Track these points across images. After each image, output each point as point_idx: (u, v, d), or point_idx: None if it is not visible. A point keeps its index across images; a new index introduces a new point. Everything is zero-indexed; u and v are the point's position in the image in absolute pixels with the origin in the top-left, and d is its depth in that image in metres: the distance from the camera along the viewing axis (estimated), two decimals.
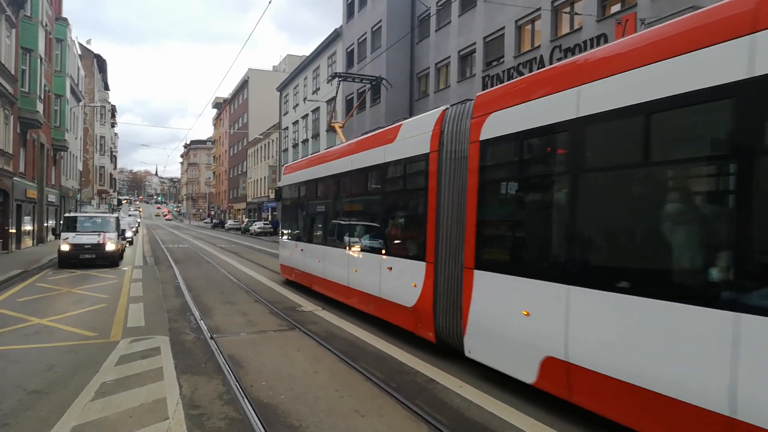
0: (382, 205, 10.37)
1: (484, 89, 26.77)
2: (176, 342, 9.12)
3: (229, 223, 75.47)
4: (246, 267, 22.22)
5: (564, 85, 5.94)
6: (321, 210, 14.00)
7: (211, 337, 9.45)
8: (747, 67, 4.12)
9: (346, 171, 12.07)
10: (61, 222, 24.44)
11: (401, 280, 9.21)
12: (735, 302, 4.16)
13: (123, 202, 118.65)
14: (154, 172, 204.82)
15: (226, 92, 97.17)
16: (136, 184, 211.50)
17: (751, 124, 4.15)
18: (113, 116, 77.03)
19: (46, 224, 34.84)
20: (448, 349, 8.31)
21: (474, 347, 7.36)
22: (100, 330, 10.08)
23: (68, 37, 39.73)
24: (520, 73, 24.35)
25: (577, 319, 5.58)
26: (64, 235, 21.21)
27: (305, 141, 51.10)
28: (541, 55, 23.11)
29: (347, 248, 11.71)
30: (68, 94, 40.50)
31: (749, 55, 4.10)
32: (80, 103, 49.69)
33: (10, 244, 26.43)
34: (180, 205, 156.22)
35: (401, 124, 9.83)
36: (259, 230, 53.93)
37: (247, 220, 67.21)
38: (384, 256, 9.91)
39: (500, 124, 6.92)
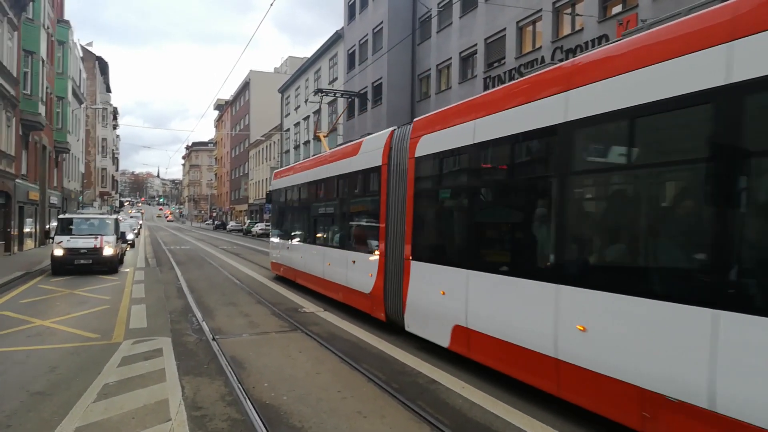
0: (349, 208, 12.30)
1: (485, 90, 26.78)
2: (178, 343, 9.14)
3: (231, 224, 75.53)
4: (248, 268, 22.23)
5: (466, 118, 7.80)
6: (303, 212, 15.87)
7: (214, 339, 9.46)
8: (725, 74, 4.40)
9: (322, 178, 13.98)
10: (55, 224, 22.06)
11: (362, 271, 11.02)
12: (553, 274, 5.99)
13: (125, 203, 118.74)
14: (155, 174, 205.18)
15: (227, 94, 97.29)
16: (138, 186, 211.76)
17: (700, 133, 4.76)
18: (115, 118, 77.19)
19: (47, 226, 34.92)
20: (394, 326, 9.89)
21: (411, 323, 9.17)
22: (102, 331, 10.09)
23: (70, 40, 39.83)
24: (522, 75, 24.35)
25: (473, 295, 7.42)
26: (57, 238, 19.50)
27: (306, 142, 51.13)
28: (543, 56, 23.12)
29: (323, 245, 13.67)
30: (70, 96, 40.59)
31: (726, 63, 4.39)
32: (82, 105, 49.78)
33: (12, 245, 26.47)
34: (182, 206, 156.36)
35: (363, 140, 11.71)
36: (260, 232, 53.86)
37: (249, 221, 67.23)
38: (350, 252, 11.76)
39: (428, 144, 8.78)
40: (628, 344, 5.07)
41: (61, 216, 22.27)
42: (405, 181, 9.42)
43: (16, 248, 27.13)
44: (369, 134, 11.03)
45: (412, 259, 9.03)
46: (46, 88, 32.65)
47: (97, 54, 60.88)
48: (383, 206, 10.18)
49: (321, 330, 10.38)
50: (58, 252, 18.92)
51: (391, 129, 10.52)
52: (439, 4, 31.12)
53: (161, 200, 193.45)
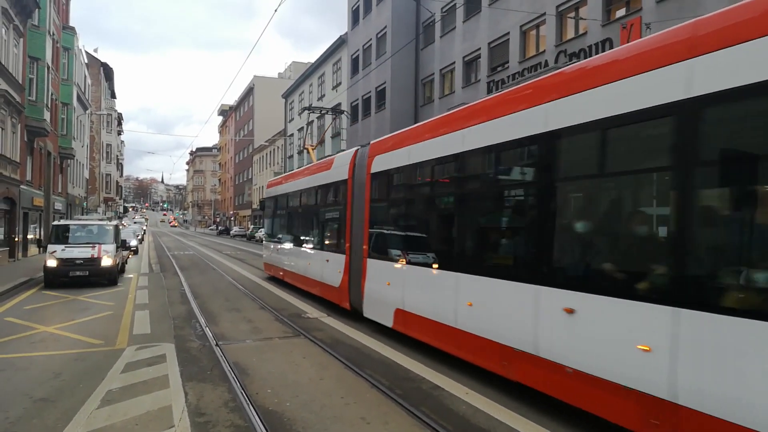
0: (324, 215, 14.20)
1: (489, 94, 26.78)
2: (182, 349, 9.13)
3: (235, 229, 75.61)
4: (251, 274, 22.24)
5: (404, 143, 9.85)
6: (289, 218, 18.25)
7: (217, 344, 9.45)
8: (684, 89, 4.75)
9: (303, 188, 16.08)
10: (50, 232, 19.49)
11: (333, 269, 12.87)
12: (454, 266, 8.04)
13: (129, 209, 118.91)
14: (159, 180, 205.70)
15: (231, 99, 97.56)
16: (142, 191, 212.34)
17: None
18: (119, 124, 77.44)
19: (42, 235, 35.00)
20: (357, 313, 11.62)
21: (368, 310, 11.04)
22: (106, 337, 10.09)
23: (75, 46, 40.02)
24: (526, 79, 24.34)
25: (408, 283, 9.39)
26: (51, 247, 17.63)
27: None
28: (546, 60, 23.11)
29: (305, 247, 15.70)
30: (75, 103, 40.76)
31: (686, 79, 4.73)
32: (87, 111, 49.97)
33: (16, 252, 26.54)
34: (185, 212, 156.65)
35: (335, 156, 14.10)
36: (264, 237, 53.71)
37: (252, 226, 67.30)
38: (325, 252, 13.71)
39: (379, 163, 10.71)
40: (493, 313, 7.09)
41: (55, 223, 20.43)
42: (363, 192, 11.37)
43: (20, 254, 27.19)
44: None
45: (369, 258, 10.99)
46: (51, 94, 32.79)
47: (102, 60, 61.15)
48: (348, 213, 12.09)
49: (324, 336, 10.36)
50: (51, 263, 17.17)
51: (355, 148, 12.46)
52: (442, 8, 31.16)
53: (165, 206, 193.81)
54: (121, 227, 26.11)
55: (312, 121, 38.87)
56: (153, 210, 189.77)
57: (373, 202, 10.99)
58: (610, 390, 5.25)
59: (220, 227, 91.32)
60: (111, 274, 18.01)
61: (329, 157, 14.90)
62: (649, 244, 5.30)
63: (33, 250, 30.53)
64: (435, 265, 8.59)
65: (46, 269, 17.27)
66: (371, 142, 11.66)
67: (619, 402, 5.17)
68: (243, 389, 6.92)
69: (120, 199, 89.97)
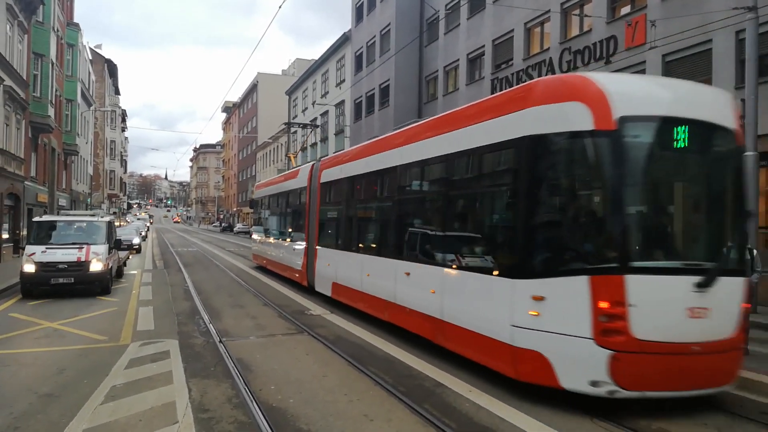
0: (293, 213, 18.06)
1: (492, 92, 26.74)
2: (185, 345, 9.16)
3: (238, 226, 75.59)
4: (254, 270, 22.27)
5: (338, 163, 13.81)
6: (269, 216, 22.12)
7: (220, 341, 9.48)
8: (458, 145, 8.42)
9: (280, 192, 19.87)
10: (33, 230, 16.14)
11: (297, 255, 16.55)
12: (359, 249, 12.15)
13: (133, 206, 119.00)
14: (163, 176, 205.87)
15: (235, 96, 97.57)
16: (146, 188, 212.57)
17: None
18: (123, 120, 77.55)
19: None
20: (312, 290, 15.02)
21: (317, 285, 14.58)
22: (110, 333, 10.13)
23: (79, 42, 40.06)
24: (530, 76, 24.30)
25: (339, 264, 13.05)
26: (29, 249, 14.66)
27: (314, 144, 51.22)
28: (551, 58, 23.04)
29: (281, 240, 19.35)
30: (79, 99, 40.81)
31: (488, 133, 7.68)
32: (91, 108, 50.05)
33: (20, 248, 26.59)
34: (189, 208, 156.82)
35: (300, 168, 17.88)
36: None
37: None
38: (294, 243, 17.20)
39: (325, 176, 14.49)
40: (378, 279, 10.72)
41: (37, 219, 17.27)
42: (316, 197, 15.14)
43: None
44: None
45: (318, 246, 14.74)
46: (56, 90, 32.84)
47: (106, 57, 61.20)
48: (307, 213, 15.84)
49: (327, 332, 10.38)
50: (29, 268, 14.18)
51: (313, 162, 16.61)
52: (446, 5, 31.09)
53: (169, 202, 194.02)
54: (123, 224, 25.81)
55: (296, 131, 45.34)
56: (157, 206, 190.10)
57: (321, 204, 14.80)
58: (422, 317, 8.98)
59: (223, 224, 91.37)
60: (101, 281, 14.93)
61: (297, 168, 19.05)
62: (432, 235, 9.06)
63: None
64: (352, 250, 12.45)
65: (22, 276, 14.40)
66: (321, 158, 16.36)
67: (426, 323, 8.88)
68: (246, 385, 6.94)
69: (124, 195, 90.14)
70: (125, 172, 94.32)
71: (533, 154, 6.72)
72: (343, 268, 12.79)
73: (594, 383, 5.98)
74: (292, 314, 12.22)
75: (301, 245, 16.11)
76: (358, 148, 13.18)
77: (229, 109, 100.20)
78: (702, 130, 6.56)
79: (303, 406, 6.30)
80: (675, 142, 6.37)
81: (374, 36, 37.89)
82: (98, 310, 12.57)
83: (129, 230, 34.41)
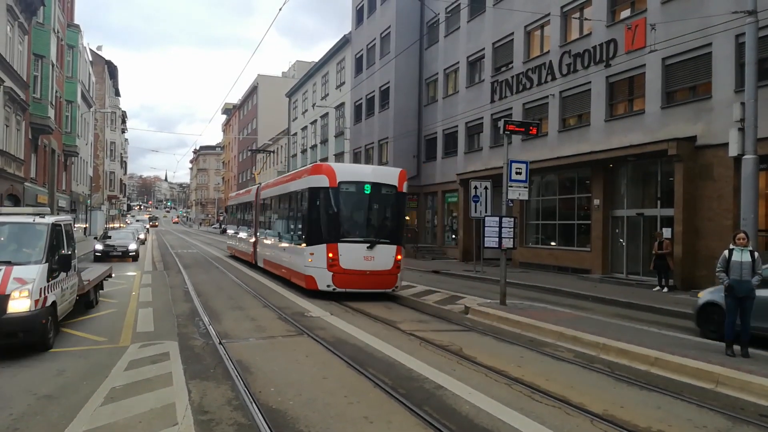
0: (250, 218, 25.88)
1: (492, 95, 26.79)
2: (185, 347, 9.15)
3: None
4: (254, 272, 22.26)
5: (265, 188, 23.40)
6: (237, 219, 30.69)
7: (220, 343, 9.47)
8: (292, 188, 18.21)
9: (240, 203, 29.95)
10: None
11: (250, 245, 24.94)
12: (272, 237, 21.85)
13: (134, 207, 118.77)
14: (163, 178, 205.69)
15: (235, 98, 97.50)
16: (146, 189, 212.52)
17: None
18: (123, 122, 77.51)
19: None
20: (256, 266, 23.37)
21: (258, 262, 22.77)
22: (109, 335, 10.12)
23: (80, 44, 40.07)
24: (529, 79, 24.32)
25: (265, 247, 22.00)
26: None
27: (314, 146, 51.21)
28: (550, 61, 23.07)
29: (241, 235, 28.15)
30: (79, 100, 40.81)
31: (297, 185, 17.30)
32: (91, 109, 50.05)
33: None
34: (189, 210, 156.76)
35: (252, 188, 26.60)
36: None
37: None
38: (250, 237, 25.17)
39: (262, 195, 23.47)
40: (278, 254, 19.12)
41: None
42: (259, 207, 23.62)
43: None
44: (260, 184, 24.97)
45: (258, 237, 23.18)
46: (56, 91, 32.83)
47: (106, 58, 61.21)
48: (255, 218, 24.36)
49: (327, 335, 10.37)
50: None
51: (257, 185, 25.24)
52: (446, 8, 31.12)
53: (169, 204, 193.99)
54: (122, 225, 24.52)
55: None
56: (156, 208, 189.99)
57: (262, 212, 23.27)
58: (284, 268, 18.16)
59: (223, 225, 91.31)
60: (31, 332, 8.46)
61: (249, 188, 29.24)
62: (275, 231, 20.43)
63: None
64: (269, 239, 21.00)
65: None
66: (259, 184, 25.04)
67: (283, 269, 18.12)
68: (246, 387, 6.93)
69: (124, 197, 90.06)
70: (125, 173, 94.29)
71: (310, 194, 15.44)
72: (267, 250, 21.38)
73: (328, 286, 14.59)
74: (292, 316, 12.22)
75: (252, 239, 24.78)
76: (267, 184, 23.35)
77: (229, 110, 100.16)
78: (377, 185, 15.25)
79: (303, 408, 6.29)
80: (364, 191, 15.14)
81: (374, 38, 37.94)
82: (98, 312, 12.54)
83: (125, 234, 31.18)
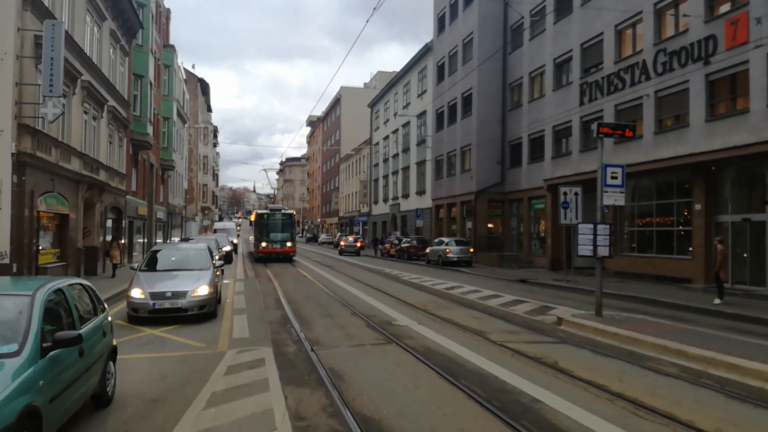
0: (252, 230, 40.57)
1: (582, 97, 25.96)
2: (279, 354, 9.32)
3: (323, 237, 76.99)
4: (341, 281, 22.55)
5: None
6: (253, 230, 38.36)
7: (312, 350, 9.59)
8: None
9: (251, 219, 40.30)
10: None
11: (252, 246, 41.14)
12: (265, 241, 37.74)
13: (225, 218, 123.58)
14: (251, 189, 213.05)
15: (318, 110, 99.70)
16: (236, 200, 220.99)
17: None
18: (215, 136, 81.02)
19: (157, 240, 36.91)
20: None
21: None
22: (207, 341, 10.48)
23: (175, 63, 42.31)
24: (621, 80, 23.38)
25: (259, 246, 37.36)
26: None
27: (396, 155, 51.51)
28: (644, 60, 22.08)
29: (255, 240, 37.79)
30: (175, 117, 43.04)
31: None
32: (185, 125, 52.66)
33: (123, 258, 28.20)
34: None
35: (255, 211, 40.86)
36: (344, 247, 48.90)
37: (339, 234, 68.37)
38: (256, 241, 38.37)
39: (254, 217, 38.92)
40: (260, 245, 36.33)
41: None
42: (252, 225, 40.06)
43: (126, 260, 28.88)
44: (257, 209, 36.43)
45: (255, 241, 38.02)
46: (154, 109, 34.77)
47: (198, 76, 64.28)
48: (254, 229, 38.48)
49: (416, 344, 10.28)
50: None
51: (256, 210, 43.60)
52: (531, 11, 30.48)
53: None
54: (202, 239, 23.02)
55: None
56: (245, 218, 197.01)
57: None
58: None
59: (308, 235, 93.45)
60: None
61: (254, 211, 43.69)
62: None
63: (138, 257, 32.38)
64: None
65: None
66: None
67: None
68: (340, 395, 6.95)
69: (215, 208, 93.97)
70: (217, 185, 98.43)
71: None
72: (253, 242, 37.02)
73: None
74: (379, 324, 12.22)
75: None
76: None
77: (313, 123, 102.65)
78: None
79: (397, 418, 6.23)
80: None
81: (456, 45, 37.73)
82: (195, 318, 13.01)
83: (199, 248, 15.95)
